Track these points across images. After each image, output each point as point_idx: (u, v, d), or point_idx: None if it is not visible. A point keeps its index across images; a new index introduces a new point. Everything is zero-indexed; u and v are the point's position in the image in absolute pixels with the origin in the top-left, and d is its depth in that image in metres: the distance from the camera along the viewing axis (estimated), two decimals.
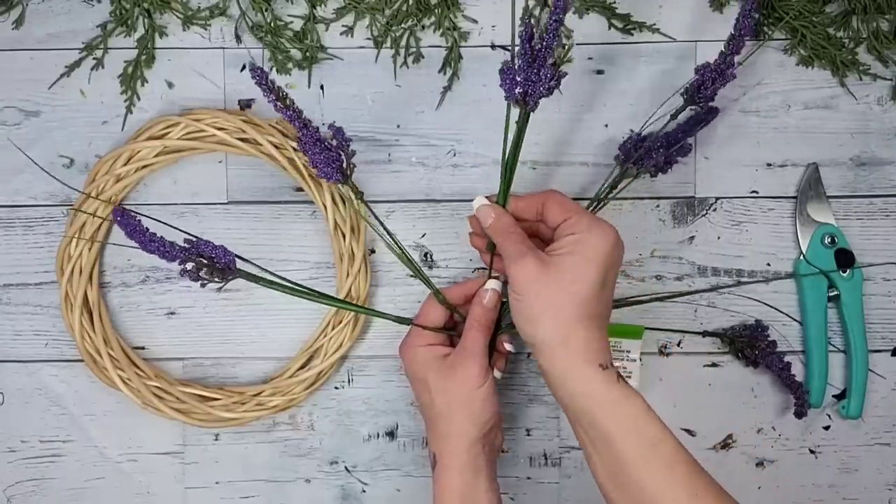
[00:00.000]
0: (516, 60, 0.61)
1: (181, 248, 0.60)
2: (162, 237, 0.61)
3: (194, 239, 0.61)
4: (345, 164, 0.65)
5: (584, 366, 0.59)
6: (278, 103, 0.62)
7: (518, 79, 0.60)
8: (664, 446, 0.58)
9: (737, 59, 0.76)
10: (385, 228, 0.69)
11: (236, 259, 0.63)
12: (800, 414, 0.74)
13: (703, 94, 0.67)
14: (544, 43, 0.59)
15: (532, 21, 0.61)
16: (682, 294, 0.76)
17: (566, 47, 0.61)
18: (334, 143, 0.65)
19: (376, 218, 0.70)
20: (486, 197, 0.67)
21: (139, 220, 0.60)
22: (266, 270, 0.65)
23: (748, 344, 0.75)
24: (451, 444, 0.66)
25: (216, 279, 0.61)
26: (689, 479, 0.57)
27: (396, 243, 0.69)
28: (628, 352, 0.75)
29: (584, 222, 0.61)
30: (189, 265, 0.60)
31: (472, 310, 0.68)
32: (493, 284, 0.68)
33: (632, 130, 0.76)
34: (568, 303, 0.59)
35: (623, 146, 0.74)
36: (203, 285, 0.61)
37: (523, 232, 0.64)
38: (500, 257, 0.66)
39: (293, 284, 0.66)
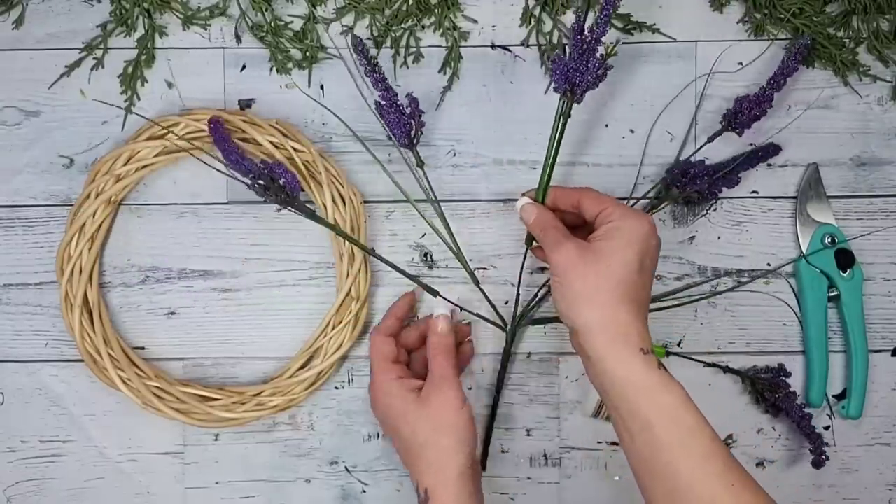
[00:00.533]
0: (567, 51, 0.66)
1: (256, 165, 0.66)
2: (242, 151, 0.67)
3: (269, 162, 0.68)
4: (413, 133, 0.71)
5: (625, 350, 0.59)
6: (368, 66, 0.70)
7: (570, 68, 0.64)
8: (702, 436, 0.58)
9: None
10: (446, 226, 0.72)
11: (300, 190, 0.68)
12: (818, 464, 0.73)
13: (739, 121, 0.72)
14: (594, 35, 0.63)
15: (581, 15, 0.64)
16: (699, 298, 0.76)
17: (615, 44, 0.65)
18: (408, 111, 0.71)
19: (439, 210, 0.71)
20: (524, 194, 0.70)
21: (229, 134, 0.67)
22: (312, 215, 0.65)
23: (768, 387, 0.75)
24: (444, 474, 0.65)
25: (277, 200, 0.66)
26: (724, 470, 0.57)
27: (452, 238, 0.73)
28: None
29: (620, 211, 0.64)
30: (259, 182, 0.66)
31: (429, 340, 0.70)
32: (441, 310, 0.71)
33: (631, 131, 0.76)
34: (607, 285, 0.61)
35: (671, 170, 0.75)
36: (266, 200, 0.67)
37: (563, 225, 0.66)
38: (541, 249, 0.68)
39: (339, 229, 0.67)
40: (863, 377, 0.75)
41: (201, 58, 0.76)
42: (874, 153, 0.77)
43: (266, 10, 0.75)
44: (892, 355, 0.77)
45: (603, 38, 0.64)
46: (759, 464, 0.77)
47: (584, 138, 0.76)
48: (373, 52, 0.76)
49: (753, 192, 0.77)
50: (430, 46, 0.76)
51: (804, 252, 0.76)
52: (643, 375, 0.59)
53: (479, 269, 0.77)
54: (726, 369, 0.76)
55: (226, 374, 0.77)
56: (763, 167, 0.76)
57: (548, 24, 0.76)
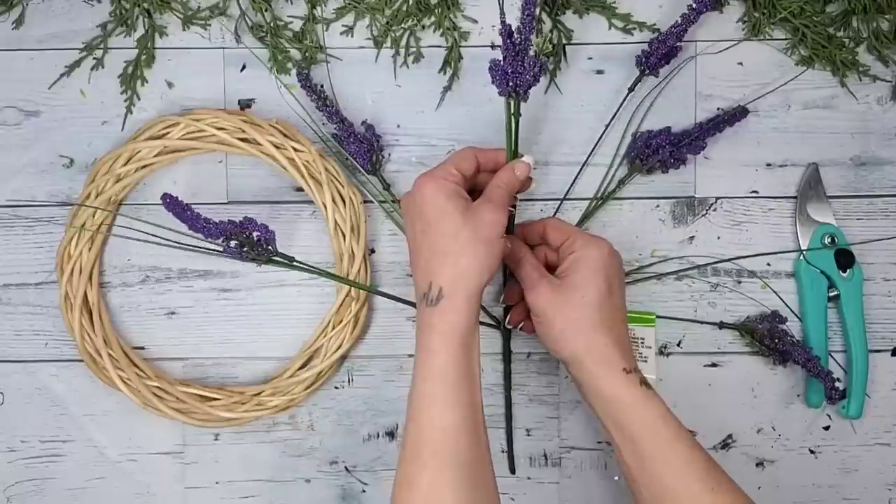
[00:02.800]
0: (502, 56, 0.66)
1: (225, 227, 0.64)
2: (207, 217, 0.65)
3: (237, 220, 0.66)
4: (374, 158, 0.73)
5: (609, 372, 0.64)
6: (318, 101, 0.72)
7: (507, 72, 0.66)
8: (681, 445, 0.63)
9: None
10: None
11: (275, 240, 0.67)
12: (832, 398, 0.73)
13: (651, 62, 0.73)
14: (522, 36, 0.65)
15: (506, 20, 0.66)
16: (683, 270, 0.76)
17: (543, 39, 0.68)
18: (367, 137, 0.74)
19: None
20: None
21: (187, 204, 0.65)
22: (296, 262, 0.65)
23: (769, 334, 0.74)
24: (467, 281, 0.63)
25: (256, 256, 0.66)
26: (704, 475, 0.62)
27: None
28: (642, 339, 0.75)
29: (580, 241, 0.67)
30: (233, 242, 0.65)
31: (500, 172, 0.67)
32: (527, 159, 0.68)
33: (631, 132, 0.76)
34: (582, 314, 0.65)
35: (633, 144, 0.75)
36: (244, 260, 0.66)
37: (535, 259, 0.68)
38: (514, 280, 0.70)
39: (323, 271, 0.69)
40: (863, 377, 0.75)
41: (201, 58, 0.76)
42: (874, 153, 0.77)
43: (266, 11, 0.75)
44: (893, 355, 0.77)
45: (532, 37, 0.65)
46: (759, 464, 0.77)
47: (585, 138, 0.76)
48: (372, 51, 0.76)
49: (753, 192, 0.77)
50: (430, 46, 0.76)
51: (804, 252, 0.76)
52: (626, 393, 0.63)
53: None
54: (721, 325, 0.76)
55: (226, 374, 0.77)
56: (763, 167, 0.76)
57: (548, 24, 0.76)
